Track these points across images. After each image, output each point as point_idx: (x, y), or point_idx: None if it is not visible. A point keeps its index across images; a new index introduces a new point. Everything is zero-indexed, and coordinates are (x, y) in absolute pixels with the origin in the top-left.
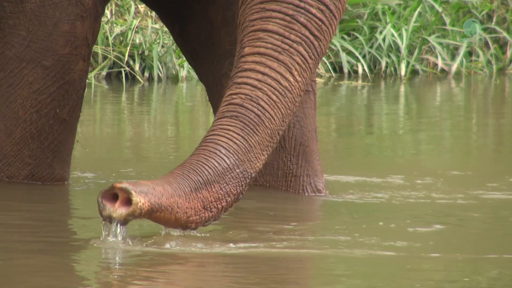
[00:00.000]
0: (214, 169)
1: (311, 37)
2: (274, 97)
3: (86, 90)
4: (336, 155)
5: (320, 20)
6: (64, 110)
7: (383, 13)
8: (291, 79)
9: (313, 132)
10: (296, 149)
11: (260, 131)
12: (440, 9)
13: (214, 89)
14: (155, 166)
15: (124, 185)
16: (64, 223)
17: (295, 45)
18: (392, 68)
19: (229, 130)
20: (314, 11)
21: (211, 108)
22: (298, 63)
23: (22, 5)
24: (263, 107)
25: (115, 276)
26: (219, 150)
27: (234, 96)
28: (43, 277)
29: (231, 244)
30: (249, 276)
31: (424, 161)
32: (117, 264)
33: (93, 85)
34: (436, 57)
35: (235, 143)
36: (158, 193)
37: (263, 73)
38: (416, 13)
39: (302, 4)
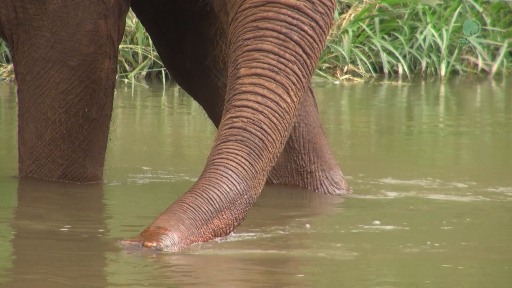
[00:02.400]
0: (225, 195)
1: (304, 56)
2: (274, 120)
3: (126, 90)
4: (376, 155)
5: (312, 37)
6: (93, 109)
7: (424, 13)
8: (289, 100)
9: (319, 128)
10: (305, 147)
11: (264, 156)
12: (480, 9)
13: (214, 103)
14: (194, 166)
15: (154, 244)
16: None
17: (290, 64)
18: (432, 68)
19: (237, 154)
20: (306, 28)
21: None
22: (293, 83)
23: (44, 6)
24: (265, 131)
25: (144, 276)
26: (230, 175)
27: (235, 120)
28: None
29: (248, 246)
30: (265, 279)
31: (463, 163)
32: (144, 265)
33: (133, 85)
34: (477, 57)
35: (244, 168)
36: (177, 240)
37: (263, 95)
38: (456, 13)
39: (295, 22)
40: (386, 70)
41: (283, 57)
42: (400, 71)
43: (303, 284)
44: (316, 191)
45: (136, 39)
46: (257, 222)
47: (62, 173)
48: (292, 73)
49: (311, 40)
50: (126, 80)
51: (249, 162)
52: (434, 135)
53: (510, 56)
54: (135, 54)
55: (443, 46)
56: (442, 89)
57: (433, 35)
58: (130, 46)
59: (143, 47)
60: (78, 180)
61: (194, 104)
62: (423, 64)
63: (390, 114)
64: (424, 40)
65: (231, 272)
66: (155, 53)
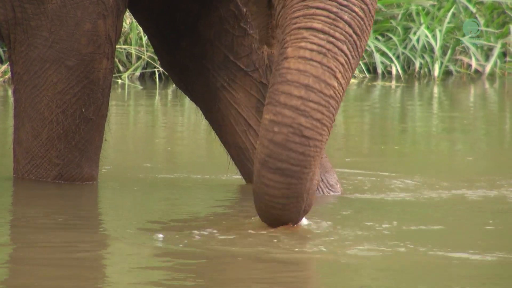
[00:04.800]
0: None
1: (354, 36)
2: (318, 115)
3: (119, 90)
4: (369, 155)
5: (362, 19)
6: (90, 109)
7: (417, 13)
8: (335, 84)
9: None
10: None
11: (316, 164)
12: (474, 10)
13: (211, 104)
14: (188, 166)
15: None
16: (92, 221)
17: (339, 43)
18: (425, 69)
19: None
20: (356, 9)
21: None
22: (342, 64)
23: (43, 6)
24: (308, 138)
25: (142, 275)
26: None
27: (276, 130)
28: (72, 274)
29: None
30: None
31: (455, 163)
32: (145, 261)
33: (126, 86)
34: (470, 58)
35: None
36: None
37: (307, 87)
38: (449, 14)
39: (345, 2)
40: (379, 71)
41: (333, 36)
42: (394, 71)
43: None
44: (313, 192)
45: (130, 39)
46: (255, 225)
47: (58, 173)
48: (341, 53)
49: (361, 22)
50: (119, 81)
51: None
52: (427, 136)
53: (504, 57)
54: (128, 55)
55: (437, 47)
56: (436, 89)
57: (426, 36)
58: (124, 46)
59: (137, 47)
60: (74, 181)
61: (188, 104)
62: (417, 65)
63: (384, 115)
64: (418, 40)
65: (235, 271)
66: (149, 53)
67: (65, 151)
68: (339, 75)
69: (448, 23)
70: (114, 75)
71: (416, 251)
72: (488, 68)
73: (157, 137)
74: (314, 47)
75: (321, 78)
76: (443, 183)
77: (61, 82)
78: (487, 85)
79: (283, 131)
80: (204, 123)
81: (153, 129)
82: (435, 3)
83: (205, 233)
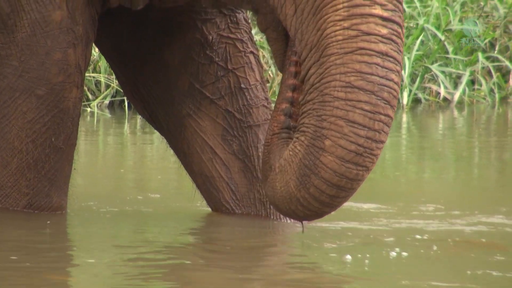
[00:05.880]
0: None
1: (390, 118)
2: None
3: (89, 119)
4: None
5: (396, 84)
6: (60, 138)
7: None
8: (365, 178)
9: None
10: None
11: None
12: (442, 38)
13: (176, 132)
14: (156, 196)
15: None
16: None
17: (377, 136)
18: None
19: None
20: (393, 76)
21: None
22: (374, 161)
23: (13, 35)
24: None
25: None
26: None
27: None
28: None
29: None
30: None
31: (424, 191)
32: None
33: (95, 114)
34: (439, 85)
35: None
36: None
37: (339, 187)
38: (418, 42)
39: (384, 72)
40: None
41: (372, 129)
42: None
43: None
44: (279, 220)
45: (99, 67)
46: (223, 251)
47: (27, 203)
48: (376, 146)
49: (396, 92)
50: (88, 109)
51: None
52: (396, 163)
53: (472, 85)
54: (97, 83)
55: (406, 75)
56: (404, 117)
57: None
58: (93, 74)
59: (106, 75)
60: (43, 210)
61: (157, 133)
62: None
63: None
64: None
65: None
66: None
67: (34, 181)
68: (370, 169)
69: (417, 50)
70: (83, 104)
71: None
72: (456, 96)
73: (126, 165)
74: (353, 147)
75: (355, 180)
76: (409, 211)
77: (31, 111)
78: (455, 113)
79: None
80: (171, 152)
81: (122, 157)
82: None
83: (175, 262)
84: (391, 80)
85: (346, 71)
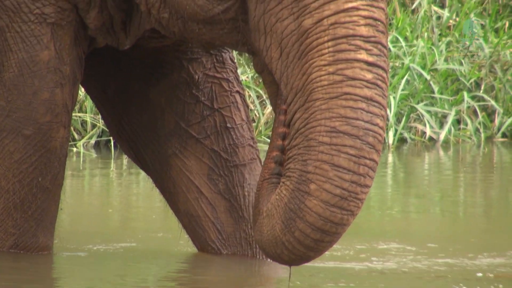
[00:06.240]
0: None
1: (375, 162)
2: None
3: (75, 159)
4: None
5: (382, 128)
6: (47, 178)
7: None
8: (350, 223)
9: None
10: None
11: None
12: (428, 77)
13: (162, 172)
14: (142, 236)
15: None
16: None
17: (362, 179)
18: None
19: None
20: (378, 121)
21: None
22: (359, 206)
23: (0, 75)
24: None
25: None
26: None
27: None
28: None
29: None
30: None
31: (410, 231)
32: None
33: (81, 154)
34: (425, 125)
35: None
36: None
37: (323, 231)
38: (404, 81)
39: (369, 117)
40: None
41: (357, 173)
42: None
43: None
44: (265, 260)
45: (85, 107)
46: None
47: (13, 243)
48: (361, 191)
49: (381, 136)
50: (74, 149)
51: None
52: (381, 202)
53: (458, 124)
54: (83, 123)
55: (391, 114)
56: (390, 157)
57: None
58: (79, 114)
59: (92, 115)
60: (29, 250)
61: (143, 173)
62: None
63: None
64: None
65: None
66: None
67: (21, 221)
68: (356, 213)
69: (403, 90)
70: (69, 144)
71: None
72: (442, 135)
73: (112, 205)
74: (338, 191)
75: (340, 224)
76: (395, 250)
77: (18, 151)
78: (441, 153)
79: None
80: (157, 192)
81: (108, 197)
82: (389, 70)
83: None
84: (376, 124)
85: (331, 116)
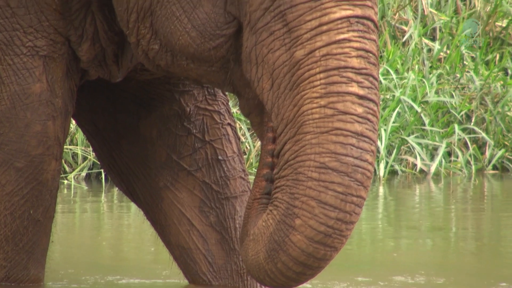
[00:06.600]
0: None
1: (363, 199)
2: None
3: (66, 191)
4: None
5: (371, 164)
6: (38, 210)
7: None
8: (332, 258)
9: None
10: None
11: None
12: (419, 109)
13: (153, 204)
14: (133, 269)
15: None
16: None
17: (347, 218)
18: None
19: None
20: (368, 157)
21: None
22: (343, 242)
23: None
24: None
25: None
26: None
27: None
28: None
29: None
30: None
31: (401, 262)
32: None
33: (72, 186)
34: (415, 157)
35: None
36: None
37: (305, 266)
38: (395, 113)
39: (359, 153)
40: None
41: (343, 211)
42: None
43: None
44: None
45: (76, 140)
46: None
47: (4, 276)
48: (346, 229)
49: (370, 172)
50: (65, 181)
51: None
52: (372, 235)
53: (449, 156)
54: (74, 155)
55: (382, 146)
56: (381, 189)
57: None
58: (70, 147)
59: (83, 148)
60: (20, 283)
61: (134, 206)
62: None
63: None
64: None
65: None
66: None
67: (12, 253)
68: (339, 249)
69: (393, 122)
70: (60, 176)
71: None
72: (433, 167)
73: (103, 237)
74: (322, 228)
75: (322, 259)
76: (385, 281)
77: (9, 183)
78: (432, 185)
79: None
80: (148, 224)
81: (99, 229)
82: (380, 102)
83: None
84: (366, 160)
85: (321, 152)
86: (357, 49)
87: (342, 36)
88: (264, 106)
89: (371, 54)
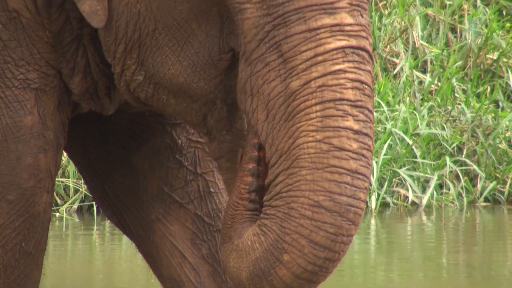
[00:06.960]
0: None
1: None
2: None
3: (57, 223)
4: None
5: (363, 202)
6: (30, 243)
7: None
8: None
9: None
10: None
11: None
12: (410, 142)
13: (145, 236)
14: None
15: None
16: None
17: (337, 256)
18: None
19: None
20: (361, 195)
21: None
22: (330, 270)
23: None
24: None
25: None
26: None
27: None
28: None
29: None
30: None
31: None
32: None
33: (64, 219)
34: (407, 189)
35: None
36: None
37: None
38: (386, 146)
39: (352, 191)
40: None
41: (332, 251)
42: None
43: None
44: None
45: (68, 172)
46: None
47: None
48: (338, 259)
49: (362, 210)
50: (57, 214)
51: None
52: (364, 268)
53: (440, 189)
54: (66, 188)
55: (374, 179)
56: (373, 221)
57: None
58: (62, 179)
59: (75, 180)
60: None
61: (126, 238)
62: None
63: None
64: None
65: None
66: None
67: (4, 286)
68: (322, 282)
69: (385, 154)
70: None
71: None
72: (425, 200)
73: (95, 270)
74: (310, 267)
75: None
76: None
77: (1, 216)
78: (424, 217)
79: None
80: (140, 256)
81: (90, 262)
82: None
83: None
84: (359, 199)
85: (315, 189)
86: (353, 80)
87: (337, 67)
88: (237, 150)
89: (366, 86)
